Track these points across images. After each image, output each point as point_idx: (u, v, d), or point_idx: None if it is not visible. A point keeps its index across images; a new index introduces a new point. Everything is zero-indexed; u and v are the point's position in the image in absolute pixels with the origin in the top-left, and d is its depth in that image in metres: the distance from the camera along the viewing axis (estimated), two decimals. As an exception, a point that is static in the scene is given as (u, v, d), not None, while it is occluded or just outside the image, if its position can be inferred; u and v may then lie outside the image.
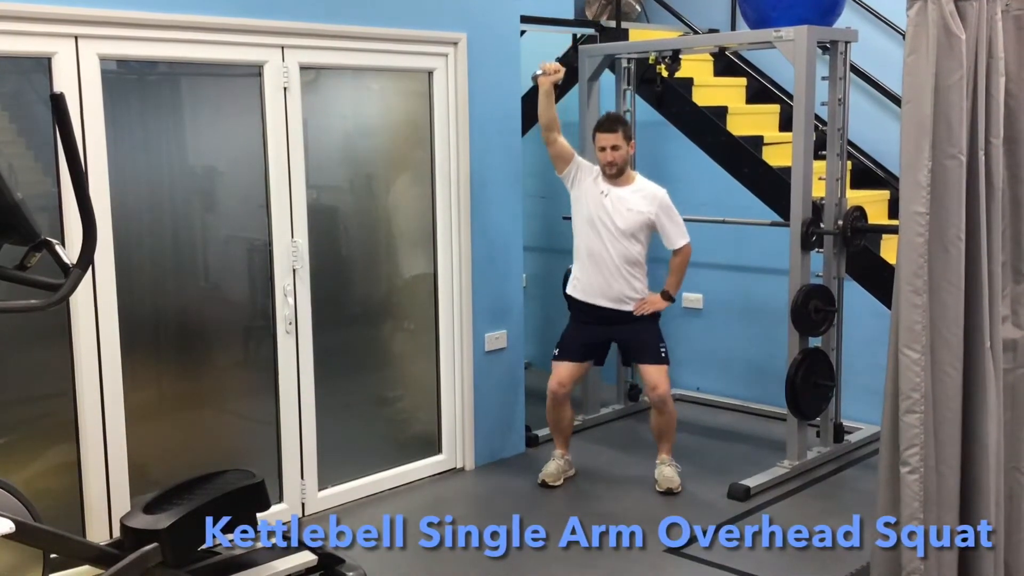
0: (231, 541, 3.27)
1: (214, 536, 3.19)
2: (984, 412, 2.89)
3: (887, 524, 2.99)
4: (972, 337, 2.88)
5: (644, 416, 5.37)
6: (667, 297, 4.61)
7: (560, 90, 5.82)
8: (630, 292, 4.54)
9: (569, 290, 4.68)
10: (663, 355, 4.57)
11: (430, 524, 4.29)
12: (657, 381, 4.52)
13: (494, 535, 4.08)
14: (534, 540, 4.03)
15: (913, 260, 2.81)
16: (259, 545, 3.53)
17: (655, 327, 4.63)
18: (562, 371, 4.63)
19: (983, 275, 2.86)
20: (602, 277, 4.53)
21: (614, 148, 4.45)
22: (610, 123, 4.53)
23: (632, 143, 4.57)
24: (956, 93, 2.76)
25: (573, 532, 4.10)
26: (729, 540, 4.03)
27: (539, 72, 4.56)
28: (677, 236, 4.57)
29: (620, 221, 4.48)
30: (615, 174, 4.50)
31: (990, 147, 2.85)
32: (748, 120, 5.56)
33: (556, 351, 4.69)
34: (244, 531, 3.37)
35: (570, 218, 4.66)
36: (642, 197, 4.51)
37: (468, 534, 4.17)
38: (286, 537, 3.47)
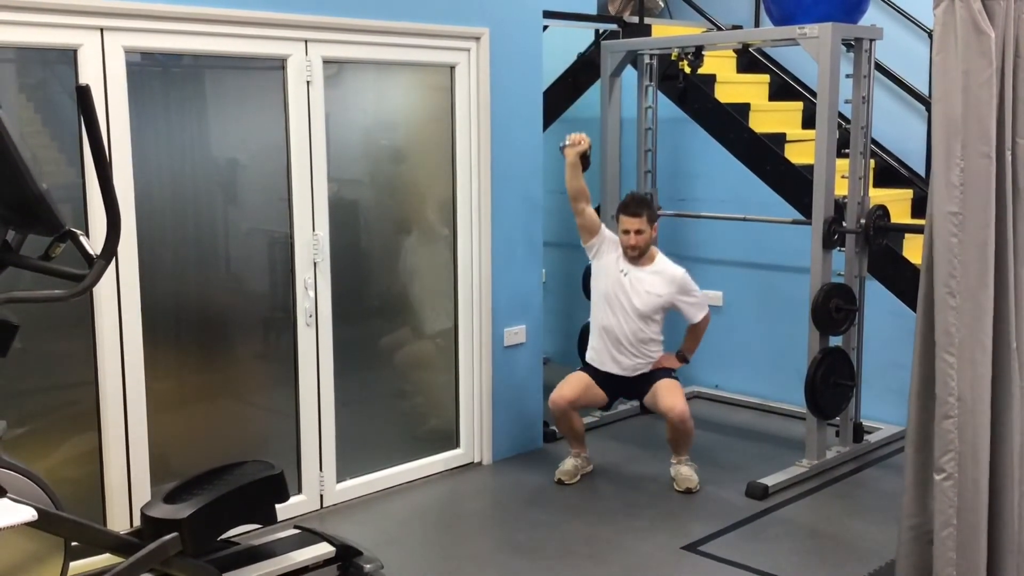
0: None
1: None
2: (1009, 415, 2.87)
3: (914, 527, 2.97)
4: (999, 339, 2.86)
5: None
6: (682, 359, 4.73)
7: (582, 86, 5.84)
8: (644, 363, 4.60)
9: (588, 358, 4.72)
10: (672, 374, 4.61)
11: (447, 518, 4.31)
12: (673, 402, 4.45)
13: (510, 530, 4.09)
14: (550, 536, 4.04)
15: (948, 261, 2.79)
16: (278, 535, 3.56)
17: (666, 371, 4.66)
18: (574, 382, 4.62)
19: (1009, 276, 2.84)
20: (617, 352, 4.59)
21: (638, 232, 4.48)
22: (635, 206, 4.53)
23: (655, 226, 4.59)
24: (986, 91, 2.74)
25: (589, 528, 4.11)
26: (747, 538, 4.03)
27: (566, 143, 4.56)
28: (696, 312, 4.63)
29: (638, 302, 4.52)
30: (636, 256, 4.53)
31: (1016, 147, 2.83)
32: (771, 117, 5.53)
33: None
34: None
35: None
36: (660, 280, 4.54)
37: (484, 529, 4.18)
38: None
